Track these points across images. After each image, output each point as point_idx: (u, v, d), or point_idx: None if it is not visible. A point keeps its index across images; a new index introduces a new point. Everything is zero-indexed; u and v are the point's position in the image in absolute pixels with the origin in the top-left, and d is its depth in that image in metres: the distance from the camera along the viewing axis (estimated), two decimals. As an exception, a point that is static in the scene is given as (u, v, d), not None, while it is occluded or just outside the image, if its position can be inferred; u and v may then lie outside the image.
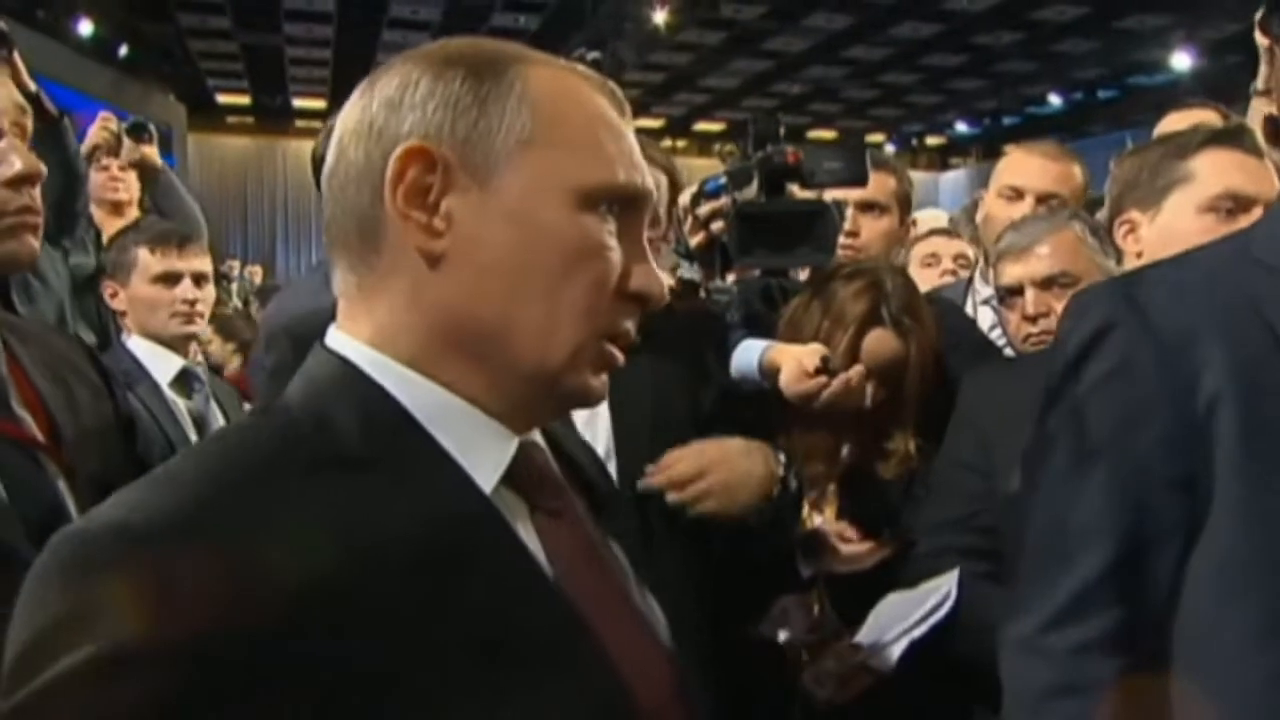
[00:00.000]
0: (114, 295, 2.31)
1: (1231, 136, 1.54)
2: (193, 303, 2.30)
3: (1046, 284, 1.72)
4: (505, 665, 0.64)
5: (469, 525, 0.68)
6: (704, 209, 1.83)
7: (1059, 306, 1.67)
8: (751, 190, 1.75)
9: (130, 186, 3.29)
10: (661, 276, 0.76)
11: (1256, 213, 1.46)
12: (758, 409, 1.70)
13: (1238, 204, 1.49)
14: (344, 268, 0.74)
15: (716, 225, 1.79)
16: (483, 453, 0.71)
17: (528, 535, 0.72)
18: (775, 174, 1.72)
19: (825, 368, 1.55)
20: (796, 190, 1.74)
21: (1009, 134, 12.24)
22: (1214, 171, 1.51)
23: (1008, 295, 1.78)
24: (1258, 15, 2.48)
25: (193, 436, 2.21)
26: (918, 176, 14.98)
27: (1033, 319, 1.72)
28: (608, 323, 0.72)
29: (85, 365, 1.26)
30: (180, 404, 2.26)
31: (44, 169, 1.08)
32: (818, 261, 1.75)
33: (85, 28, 8.13)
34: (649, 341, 0.85)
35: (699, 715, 0.77)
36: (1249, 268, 1.02)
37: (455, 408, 0.71)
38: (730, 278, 1.96)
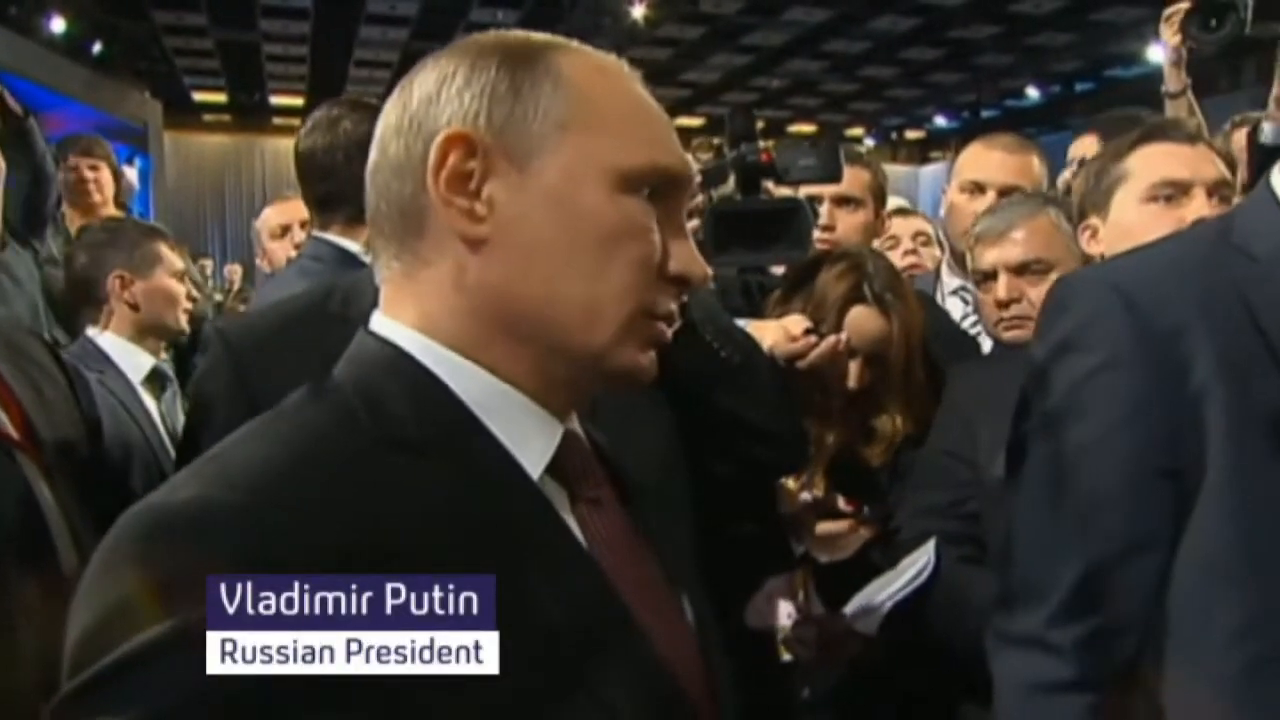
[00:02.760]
0: (127, 285, 2.28)
1: (1160, 131, 1.64)
2: (190, 299, 2.39)
3: (1020, 269, 1.76)
4: (560, 651, 0.64)
5: (522, 512, 0.69)
6: None
7: (1032, 292, 1.72)
8: (728, 188, 1.76)
9: (102, 186, 3.28)
10: (702, 259, 0.77)
11: (1197, 194, 1.55)
12: None
13: (1176, 189, 1.56)
14: (388, 256, 0.75)
15: (692, 224, 1.80)
16: (529, 440, 0.72)
17: (570, 523, 0.73)
18: (750, 172, 1.73)
19: (814, 330, 1.57)
20: (772, 187, 1.76)
21: (988, 127, 12.29)
22: (1147, 165, 1.59)
23: (983, 280, 1.82)
24: (1165, 14, 2.47)
25: (165, 435, 2.20)
26: (898, 170, 15.08)
27: (1006, 304, 1.76)
28: (651, 302, 0.73)
29: (51, 365, 1.26)
30: (152, 404, 2.26)
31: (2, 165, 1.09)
32: (793, 258, 1.77)
33: (57, 25, 8.04)
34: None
35: (732, 709, 0.78)
36: (1230, 255, 1.03)
37: (503, 393, 0.72)
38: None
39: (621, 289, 0.71)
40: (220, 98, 13.81)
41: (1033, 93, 12.58)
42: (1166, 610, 1.00)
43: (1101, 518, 1.01)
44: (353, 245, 1.84)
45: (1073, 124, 12.11)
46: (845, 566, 1.63)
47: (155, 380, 2.31)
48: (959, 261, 2.31)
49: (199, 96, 13.68)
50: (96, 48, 8.75)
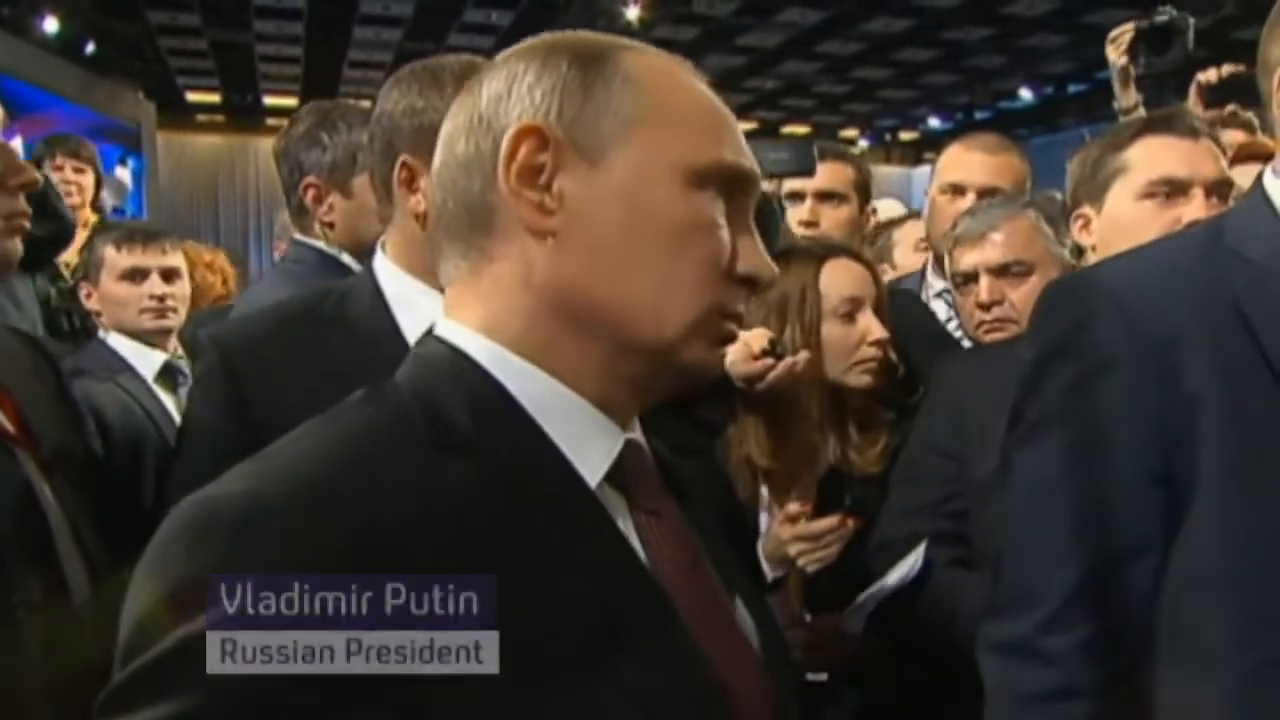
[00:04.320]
0: (89, 296, 2.34)
1: (1164, 122, 1.58)
2: (162, 298, 2.32)
3: (1001, 271, 1.74)
4: (604, 653, 0.64)
5: (574, 518, 0.68)
6: None
7: (1013, 294, 1.71)
8: None
9: (84, 189, 3.31)
10: (769, 258, 0.77)
11: (1195, 194, 1.50)
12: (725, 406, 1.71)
13: (1173, 188, 1.52)
14: (455, 255, 0.75)
15: None
16: (590, 447, 0.71)
17: (628, 532, 0.72)
18: None
19: (771, 350, 1.56)
20: None
21: (981, 128, 12.26)
22: (1147, 159, 1.54)
23: (963, 282, 1.80)
24: (1110, 35, 2.51)
25: None
26: (891, 171, 15.07)
27: (986, 306, 1.74)
28: (720, 300, 0.73)
29: (40, 363, 1.27)
30: (168, 399, 2.28)
31: (40, 178, 1.14)
32: None
33: (51, 25, 8.00)
34: None
35: None
36: (1224, 258, 1.02)
37: (565, 399, 0.71)
38: None
39: (691, 286, 0.71)
40: (214, 98, 13.74)
41: (1025, 94, 12.58)
42: (1163, 617, 1.00)
43: (1093, 525, 1.01)
44: (333, 249, 1.86)
45: (1065, 125, 12.14)
46: (837, 579, 1.62)
47: (168, 375, 2.32)
48: (941, 263, 2.31)
49: (192, 97, 13.61)
50: (90, 48, 8.70)
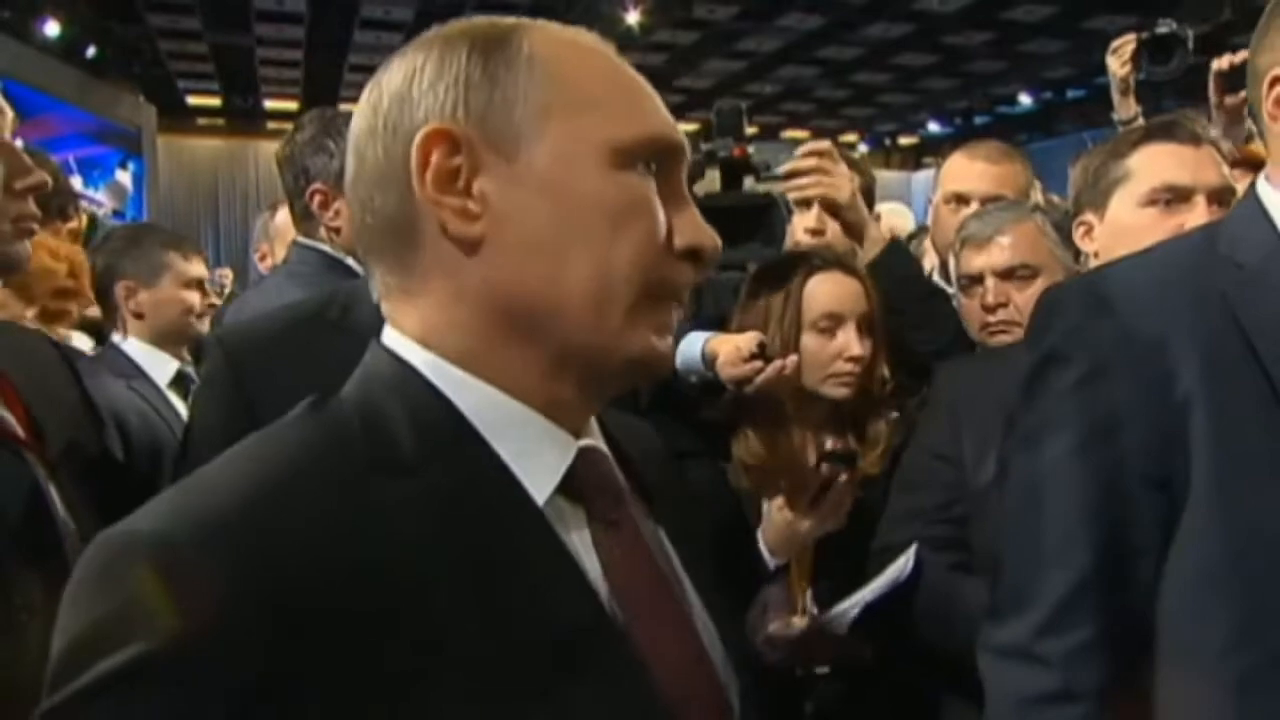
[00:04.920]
0: (131, 295, 2.30)
1: (1166, 130, 1.58)
2: (210, 306, 2.45)
3: (1007, 274, 1.75)
4: (546, 679, 0.62)
5: (516, 538, 0.65)
6: None
7: (1018, 297, 1.71)
8: (713, 185, 1.78)
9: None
10: (710, 228, 0.73)
11: (1197, 201, 1.50)
12: (723, 407, 1.72)
13: (1175, 195, 1.52)
14: (382, 272, 0.71)
15: None
16: (539, 460, 0.68)
17: (583, 544, 0.69)
18: (724, 167, 1.75)
19: (761, 353, 1.57)
20: (753, 184, 1.78)
21: (980, 133, 12.31)
22: (1149, 167, 1.54)
23: (969, 284, 1.81)
24: (1112, 46, 2.53)
25: None
26: (891, 176, 15.07)
27: (992, 308, 1.74)
28: (658, 280, 0.69)
29: (58, 363, 1.27)
30: (182, 405, 2.31)
31: (48, 181, 1.15)
32: (765, 256, 1.77)
33: (51, 28, 8.01)
34: None
35: None
36: (1217, 263, 1.03)
37: (511, 411, 0.68)
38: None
39: (629, 269, 0.67)
40: (214, 101, 13.75)
41: (1025, 99, 12.60)
42: (1159, 620, 1.00)
43: (1089, 528, 1.01)
44: (337, 251, 1.87)
45: (1064, 130, 12.16)
46: (842, 580, 1.63)
47: (181, 383, 2.34)
48: (945, 272, 2.32)
49: (193, 100, 13.62)
50: (90, 51, 8.71)
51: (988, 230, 1.78)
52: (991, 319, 1.76)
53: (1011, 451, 1.11)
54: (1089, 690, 1.01)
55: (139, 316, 2.35)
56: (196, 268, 2.41)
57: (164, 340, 2.35)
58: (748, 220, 1.73)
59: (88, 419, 1.27)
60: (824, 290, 1.71)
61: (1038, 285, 1.71)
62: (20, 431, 1.11)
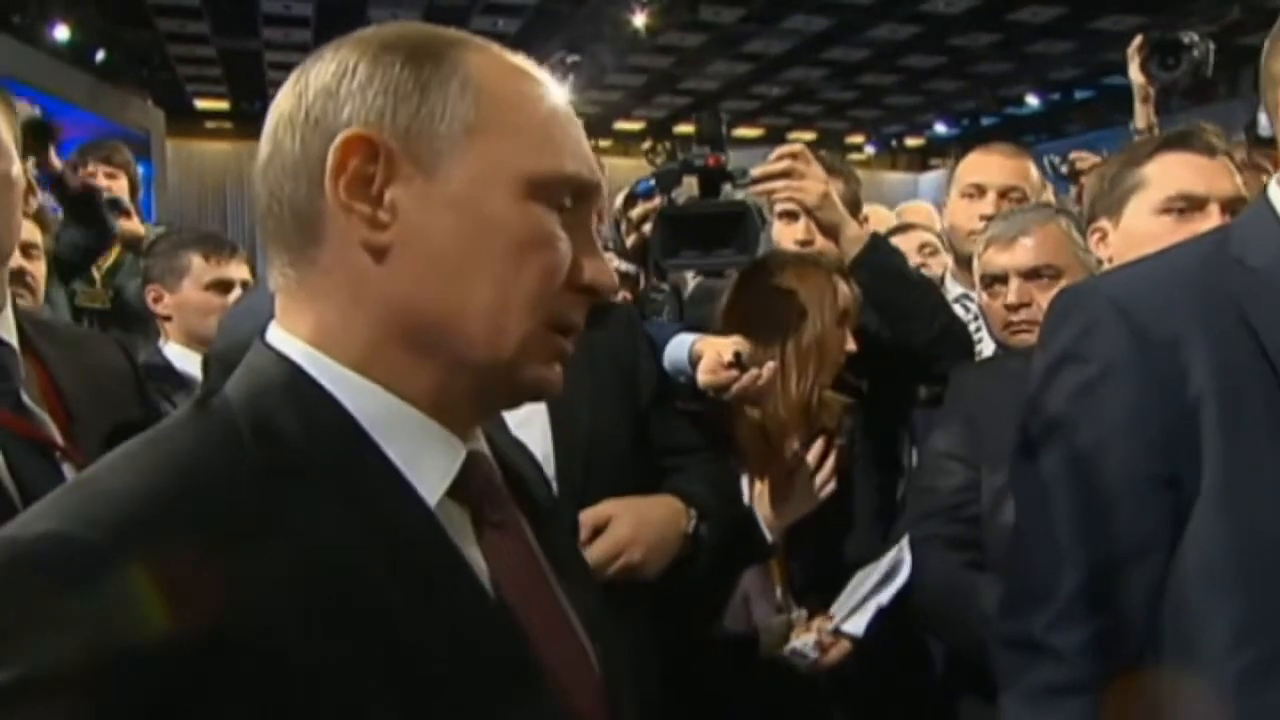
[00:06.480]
0: (158, 299, 2.33)
1: (1182, 139, 1.59)
2: None
3: (1031, 274, 1.76)
4: (445, 682, 0.62)
5: (411, 540, 0.66)
6: (636, 211, 1.89)
7: (1041, 298, 1.72)
8: (692, 191, 1.80)
9: (120, 189, 3.31)
10: (611, 268, 0.75)
11: (1211, 210, 1.52)
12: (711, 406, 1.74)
13: (1190, 204, 1.54)
14: (282, 263, 0.71)
15: (648, 227, 1.84)
16: (429, 462, 0.69)
17: (470, 548, 0.70)
18: (700, 176, 1.76)
19: (738, 361, 1.59)
20: (730, 190, 1.79)
21: (988, 134, 12.29)
22: (1165, 175, 1.56)
23: (992, 283, 1.82)
24: (1131, 49, 2.55)
25: None
26: (897, 177, 15.05)
27: (1015, 308, 1.76)
28: (556, 313, 0.71)
29: (120, 362, 1.27)
30: None
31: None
32: (740, 263, 1.79)
33: (61, 33, 8.06)
34: (584, 349, 0.84)
35: None
36: (1228, 265, 1.04)
37: (402, 414, 0.68)
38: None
39: (528, 300, 0.68)
40: (222, 105, 13.81)
41: (1032, 100, 12.59)
42: (1165, 615, 1.01)
43: (1101, 525, 1.03)
44: None
45: (1071, 131, 12.15)
46: (817, 563, 1.68)
47: None
48: (962, 268, 2.34)
49: (201, 104, 13.68)
50: (99, 55, 8.76)
51: (1012, 230, 1.79)
52: (1014, 318, 1.77)
53: (1024, 450, 1.12)
54: (1098, 682, 1.03)
55: (167, 319, 2.37)
56: (221, 269, 2.38)
57: (195, 342, 2.35)
58: (722, 228, 1.74)
59: (146, 419, 1.26)
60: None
61: (1061, 286, 1.72)
62: (57, 437, 1.10)
